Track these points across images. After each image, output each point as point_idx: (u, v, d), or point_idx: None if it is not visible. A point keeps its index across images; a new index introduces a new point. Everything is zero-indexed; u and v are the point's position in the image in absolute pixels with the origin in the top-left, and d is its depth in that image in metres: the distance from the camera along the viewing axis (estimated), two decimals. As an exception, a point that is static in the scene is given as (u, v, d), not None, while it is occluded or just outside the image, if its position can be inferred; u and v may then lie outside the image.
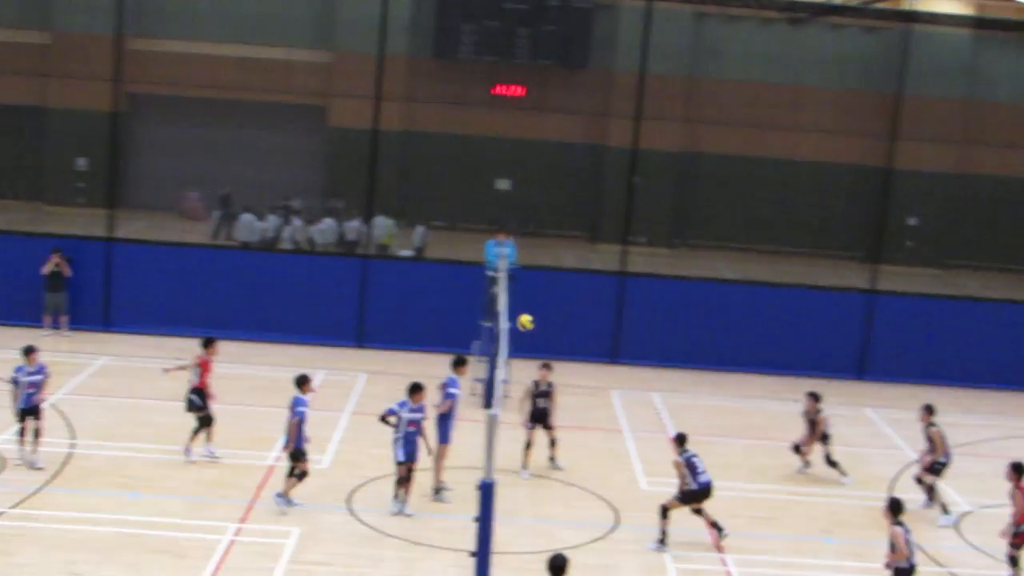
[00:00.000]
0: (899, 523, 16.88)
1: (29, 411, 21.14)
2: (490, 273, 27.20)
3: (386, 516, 20.13)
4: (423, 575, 18.10)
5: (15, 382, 21.18)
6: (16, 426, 21.23)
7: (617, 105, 44.90)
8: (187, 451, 22.31)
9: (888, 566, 16.96)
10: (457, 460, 22.37)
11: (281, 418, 24.52)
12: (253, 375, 28.13)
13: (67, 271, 30.45)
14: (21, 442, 21.19)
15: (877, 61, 45.00)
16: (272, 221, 40.66)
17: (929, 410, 22.35)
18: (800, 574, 19.09)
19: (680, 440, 20.02)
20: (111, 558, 17.74)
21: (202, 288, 31.30)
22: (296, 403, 20.19)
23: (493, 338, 24.73)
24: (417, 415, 20.48)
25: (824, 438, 23.61)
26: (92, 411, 24.78)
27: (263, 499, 20.55)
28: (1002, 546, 19.07)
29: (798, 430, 24.17)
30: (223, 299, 31.12)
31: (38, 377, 21.35)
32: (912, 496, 22.59)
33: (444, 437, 21.11)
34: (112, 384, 26.94)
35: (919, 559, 17.06)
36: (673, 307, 31.77)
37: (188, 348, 28.74)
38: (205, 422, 22.43)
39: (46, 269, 30.33)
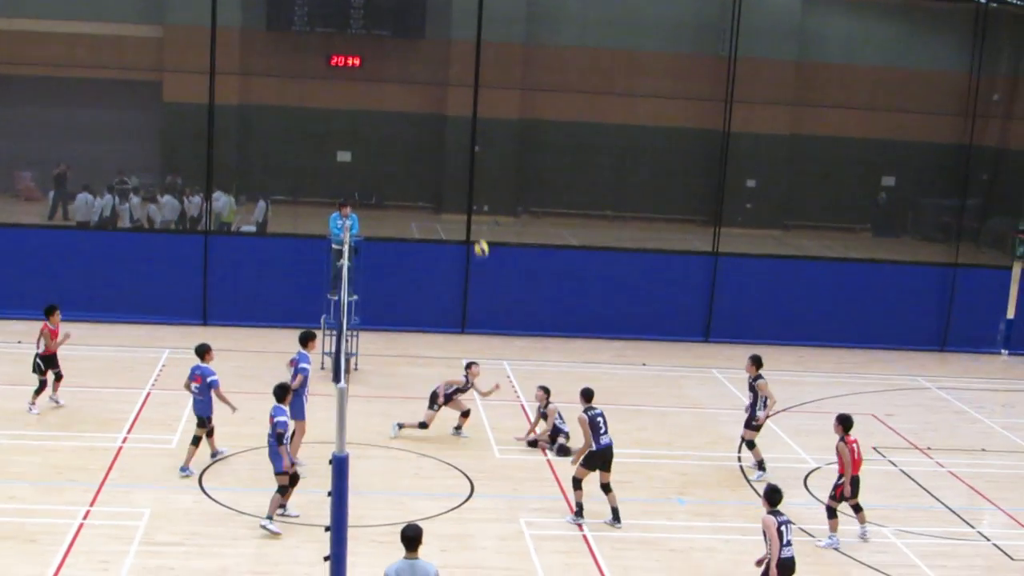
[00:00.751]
0: (773, 512, 15.97)
1: None
2: (335, 246, 27.06)
3: (239, 493, 19.91)
4: (279, 551, 17.95)
5: None
6: None
7: (455, 74, 44.83)
8: (31, 407, 23.49)
9: (759, 563, 16.10)
10: (309, 435, 22.25)
11: (123, 399, 24.27)
12: (96, 356, 27.60)
13: (-102, 256, 29.59)
14: None
15: (711, 24, 45.55)
16: (109, 199, 39.84)
17: (755, 362, 22.35)
18: (655, 536, 19.34)
19: (586, 396, 19.88)
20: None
21: (41, 269, 30.62)
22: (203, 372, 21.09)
23: (339, 311, 24.64)
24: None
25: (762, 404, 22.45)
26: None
27: (112, 481, 20.18)
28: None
29: (648, 394, 24.47)
30: (64, 280, 30.46)
31: None
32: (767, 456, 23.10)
33: (299, 414, 20.93)
34: (-51, 371, 26.26)
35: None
36: (519, 274, 31.95)
37: (27, 331, 28.24)
38: (44, 385, 23.69)
39: None
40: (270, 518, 18.51)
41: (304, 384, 21.09)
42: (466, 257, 31.70)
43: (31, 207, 43.27)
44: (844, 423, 19.41)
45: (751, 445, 22.40)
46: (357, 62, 47.17)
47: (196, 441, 20.95)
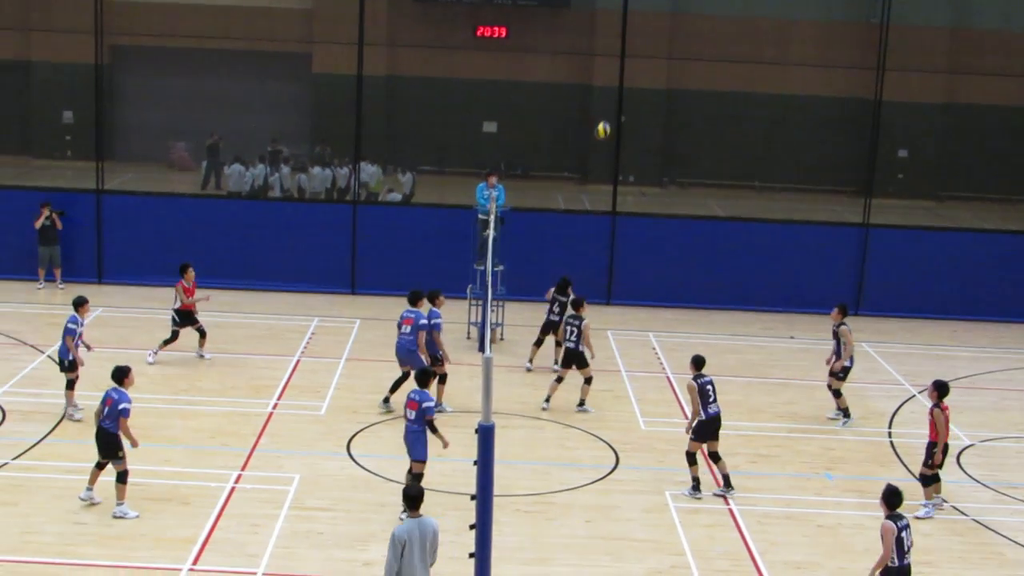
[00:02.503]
0: (893, 516, 14.86)
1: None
2: (481, 216, 27.13)
3: (386, 460, 20.10)
4: (426, 519, 18.08)
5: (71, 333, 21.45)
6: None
7: (601, 43, 44.66)
8: (151, 354, 24.80)
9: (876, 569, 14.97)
10: (454, 403, 22.41)
11: (273, 366, 24.67)
12: (247, 323, 28.07)
13: (58, 224, 30.36)
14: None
15: (862, -9, 44.81)
16: (261, 169, 40.48)
17: (842, 309, 23.07)
18: (802, 511, 19.12)
19: (697, 363, 19.55)
20: (114, 507, 17.73)
21: (193, 238, 31.18)
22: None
23: (485, 281, 24.73)
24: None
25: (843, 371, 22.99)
26: (87, 362, 24.67)
27: (262, 446, 20.54)
28: (1005, 477, 19.13)
29: (796, 367, 24.20)
30: (215, 248, 31.01)
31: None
32: (911, 431, 22.71)
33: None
34: (106, 335, 26.85)
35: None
36: (666, 246, 31.74)
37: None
38: (175, 336, 24.88)
39: (38, 223, 30.23)
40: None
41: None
42: (611, 228, 31.59)
43: (184, 176, 44.14)
44: (940, 390, 19.03)
45: (837, 394, 22.90)
46: (503, 33, 47.24)
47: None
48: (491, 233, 21.79)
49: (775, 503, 19.31)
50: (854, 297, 31.56)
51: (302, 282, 31.28)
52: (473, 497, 13.29)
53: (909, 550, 14.75)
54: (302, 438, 20.92)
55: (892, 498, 14.87)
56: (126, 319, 28.25)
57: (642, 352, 27.67)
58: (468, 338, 27.63)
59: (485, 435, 13.10)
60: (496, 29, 47.21)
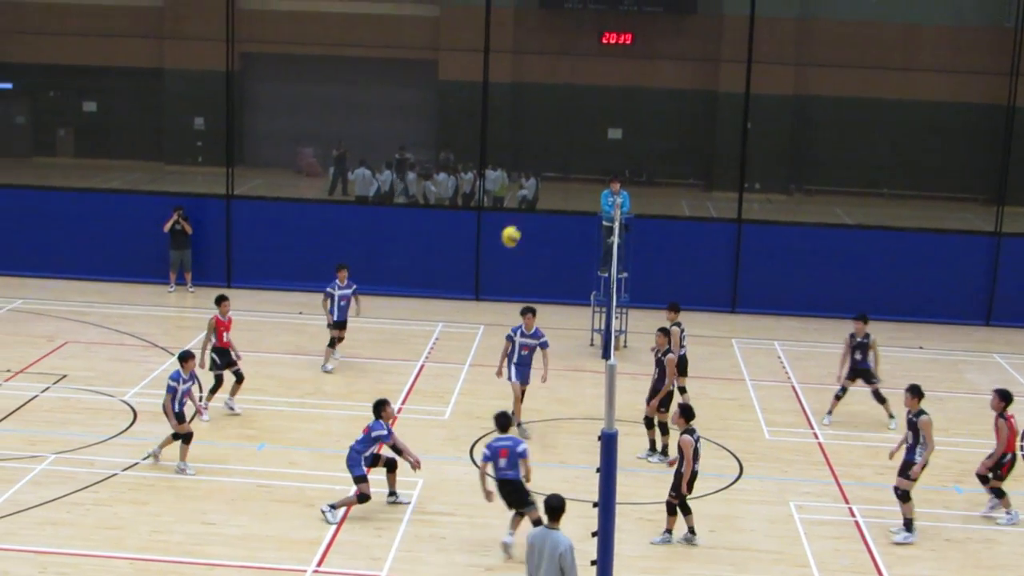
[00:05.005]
0: (691, 431, 17.14)
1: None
2: (605, 223, 27.08)
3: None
4: (548, 525, 18.06)
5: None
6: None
7: (727, 50, 44.37)
8: (201, 411, 21.80)
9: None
10: (577, 410, 22.37)
11: (398, 371, 24.81)
12: (372, 328, 28.28)
13: (189, 229, 30.87)
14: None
15: (994, -7, 43.98)
16: (388, 175, 40.81)
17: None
18: (930, 524, 18.76)
19: (685, 415, 17.78)
20: (241, 508, 17.97)
21: (320, 243, 31.55)
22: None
23: (609, 288, 24.67)
24: (531, 341, 21.34)
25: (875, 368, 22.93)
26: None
27: (386, 451, 20.63)
28: None
29: (925, 378, 23.75)
30: (341, 253, 31.21)
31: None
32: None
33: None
34: (235, 338, 27.11)
35: None
36: (791, 254, 31.37)
37: (307, 302, 29.24)
38: (220, 381, 22.33)
39: (167, 227, 30.79)
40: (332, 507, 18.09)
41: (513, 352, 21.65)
42: (736, 235, 31.33)
43: (312, 182, 44.75)
44: (1005, 398, 18.56)
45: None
46: (629, 39, 47.19)
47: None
48: (615, 240, 21.74)
49: (900, 515, 18.94)
50: (985, 307, 30.95)
51: (427, 287, 31.45)
52: (595, 504, 13.26)
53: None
54: (425, 443, 21.00)
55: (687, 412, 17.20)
56: (254, 322, 28.62)
57: (767, 361, 27.39)
58: (591, 345, 27.59)
59: (608, 442, 13.06)
60: (622, 35, 47.17)
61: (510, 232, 22.27)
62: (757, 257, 31.30)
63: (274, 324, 28.47)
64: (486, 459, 17.20)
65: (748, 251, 31.29)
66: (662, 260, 30.47)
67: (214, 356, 22.31)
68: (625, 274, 27.01)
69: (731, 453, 21.37)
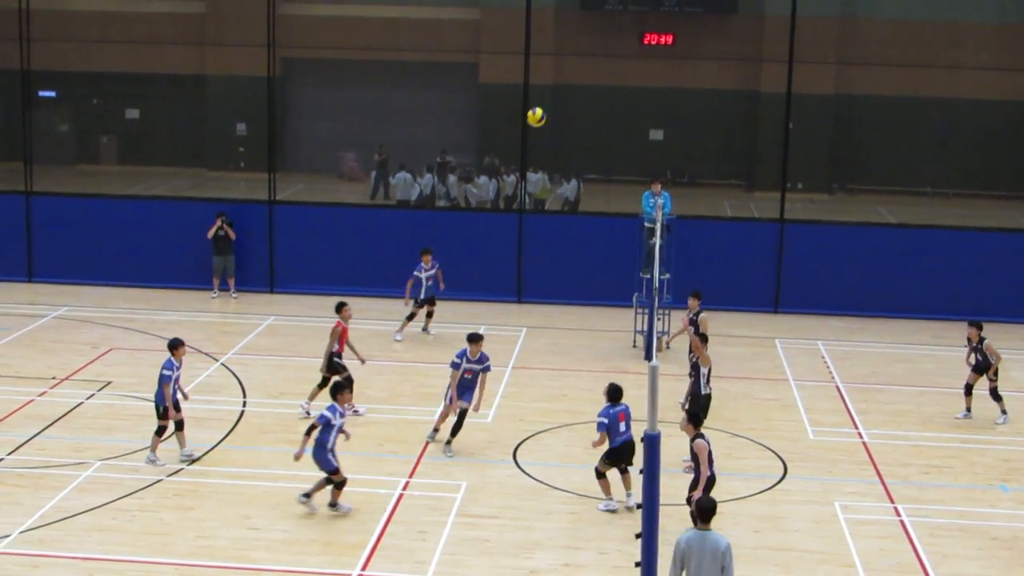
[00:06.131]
0: (701, 435, 17.12)
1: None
2: (647, 224, 27.05)
3: (552, 469, 20.14)
4: (590, 527, 18.08)
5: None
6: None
7: (768, 50, 44.23)
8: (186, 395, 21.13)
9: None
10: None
11: (439, 374, 24.82)
12: (414, 331, 28.31)
13: (232, 234, 31.03)
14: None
15: (1039, -8, 43.71)
16: (429, 179, 40.88)
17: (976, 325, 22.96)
18: (976, 523, 18.63)
19: (612, 395, 18.64)
20: (285, 513, 18.04)
21: (362, 247, 31.66)
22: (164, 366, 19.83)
23: (651, 290, 24.65)
24: (475, 366, 20.62)
25: (995, 371, 23.07)
26: (261, 370, 25.25)
27: (430, 453, 20.71)
28: None
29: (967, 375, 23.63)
30: (383, 257, 31.43)
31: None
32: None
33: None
34: (278, 343, 27.41)
35: None
36: (834, 254, 31.24)
37: (350, 307, 29.26)
38: (325, 383, 22.23)
39: (211, 233, 30.96)
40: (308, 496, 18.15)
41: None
42: (779, 235, 31.21)
43: (354, 187, 44.87)
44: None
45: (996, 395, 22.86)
46: (670, 40, 47.13)
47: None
48: (657, 241, 21.73)
49: (948, 515, 18.85)
50: (1030, 305, 30.78)
51: (469, 290, 31.46)
52: (639, 506, 13.25)
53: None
54: (469, 445, 21.02)
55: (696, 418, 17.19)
56: (296, 327, 28.77)
57: (811, 360, 27.28)
58: (634, 346, 27.56)
59: (651, 444, 13.06)
60: (663, 36, 47.09)
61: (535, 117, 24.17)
62: (800, 257, 31.19)
63: (317, 328, 28.50)
64: (602, 428, 18.31)
65: (791, 251, 31.18)
66: (705, 261, 30.39)
67: (337, 362, 22.47)
68: (667, 275, 26.96)
69: (775, 453, 21.29)
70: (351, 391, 18.95)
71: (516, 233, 31.60)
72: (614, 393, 18.64)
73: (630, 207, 31.02)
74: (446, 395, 20.60)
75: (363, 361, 23.11)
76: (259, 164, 39.18)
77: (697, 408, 19.47)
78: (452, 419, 20.84)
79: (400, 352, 26.47)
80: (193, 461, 20.02)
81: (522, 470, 20.22)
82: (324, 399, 22.32)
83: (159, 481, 19.21)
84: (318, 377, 22.82)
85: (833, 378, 25.95)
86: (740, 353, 27.41)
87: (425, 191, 40.44)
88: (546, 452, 21.06)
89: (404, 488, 19.26)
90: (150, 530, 17.50)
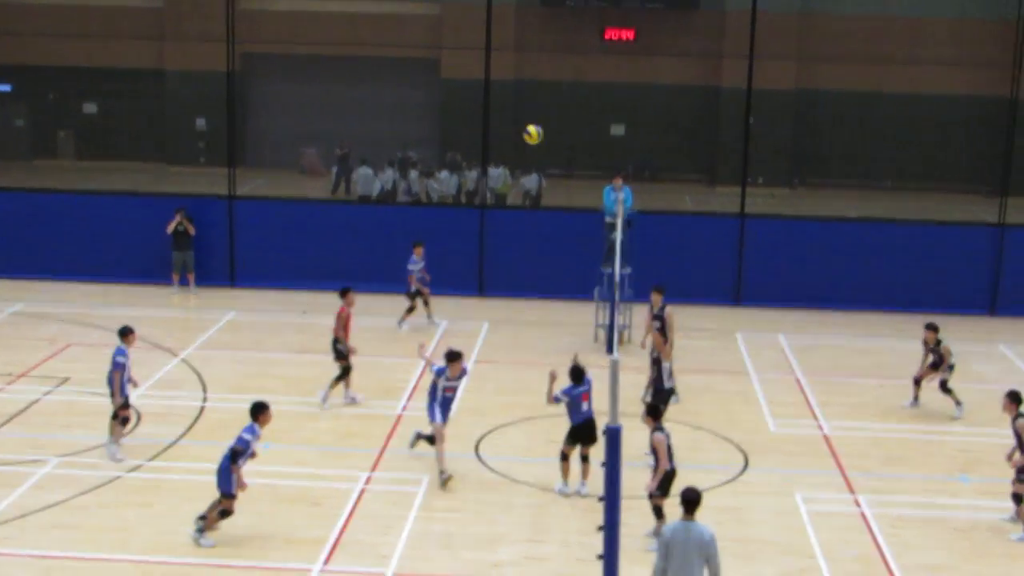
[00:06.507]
0: (660, 428, 17.11)
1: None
2: (608, 219, 27.06)
3: (514, 462, 20.14)
4: (552, 520, 18.08)
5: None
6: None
7: (730, 45, 44.40)
8: (324, 398, 22.69)
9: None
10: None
11: (402, 369, 24.79)
12: (376, 326, 28.24)
13: (191, 229, 30.85)
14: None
15: (997, -12, 43.95)
16: (389, 174, 40.81)
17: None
18: (937, 514, 18.76)
19: (654, 414, 17.76)
20: (247, 507, 17.91)
21: (323, 242, 31.55)
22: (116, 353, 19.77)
23: (612, 284, 24.66)
24: (455, 383, 19.76)
25: (948, 367, 23.34)
26: (221, 365, 25.12)
27: (392, 448, 20.68)
28: None
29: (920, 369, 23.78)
30: (344, 253, 31.31)
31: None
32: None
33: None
34: (239, 338, 27.29)
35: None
36: (795, 247, 31.33)
37: (311, 302, 29.28)
38: (347, 370, 22.80)
39: (170, 228, 30.77)
40: (200, 531, 17.16)
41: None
42: (740, 230, 31.28)
43: (315, 182, 44.75)
44: (1016, 400, 18.29)
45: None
46: (631, 35, 47.25)
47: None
48: (618, 236, 21.71)
49: (909, 506, 18.96)
50: (989, 298, 30.94)
51: (431, 285, 31.29)
52: (601, 499, 13.27)
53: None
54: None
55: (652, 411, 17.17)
56: (257, 322, 28.65)
57: (772, 353, 27.37)
58: (595, 341, 27.56)
59: (612, 438, 13.07)
60: (624, 32, 47.20)
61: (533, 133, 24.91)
62: (761, 251, 31.27)
63: (278, 324, 28.47)
64: (557, 400, 18.94)
65: (752, 245, 31.26)
66: (666, 255, 30.41)
67: (340, 348, 22.75)
68: (628, 270, 26.97)
69: (736, 446, 21.35)
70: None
71: (478, 228, 31.56)
72: (576, 373, 18.97)
73: (592, 202, 31.06)
74: (431, 412, 19.71)
75: (352, 351, 23.03)
76: (219, 159, 39.07)
77: (658, 401, 19.53)
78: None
79: (364, 345, 26.34)
80: (119, 461, 19.69)
81: (484, 464, 20.20)
82: (262, 393, 22.29)
83: (118, 478, 19.09)
84: (280, 372, 22.69)
85: (794, 371, 26.05)
86: (702, 346, 27.47)
87: (387, 186, 40.37)
88: (508, 445, 21.04)
89: (366, 483, 19.21)
90: (109, 527, 17.40)
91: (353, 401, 22.91)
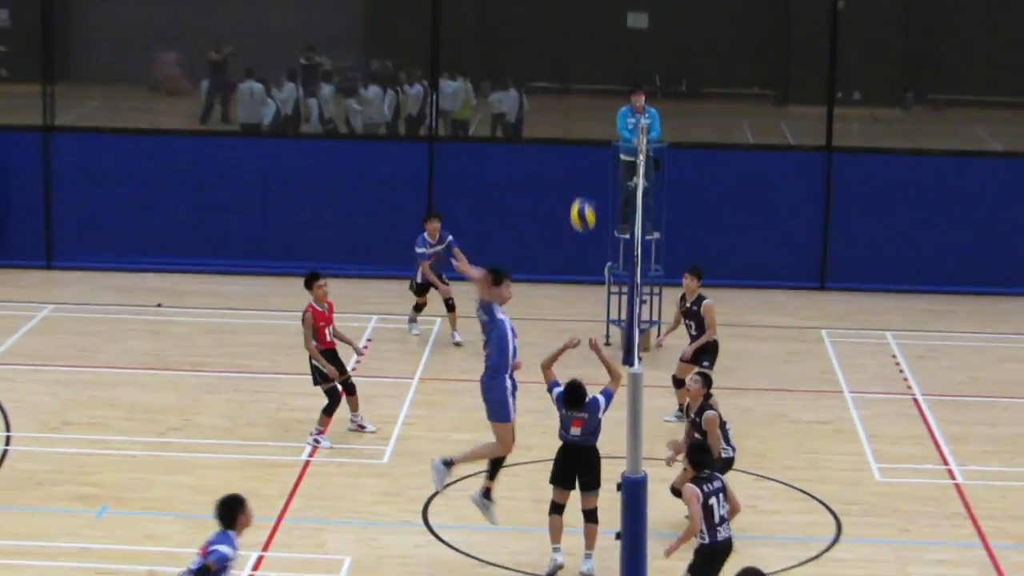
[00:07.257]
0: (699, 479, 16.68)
1: None
2: (624, 157, 26.94)
3: (482, 533, 20.00)
4: None
5: None
6: None
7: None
8: (318, 437, 22.86)
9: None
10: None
11: (310, 391, 24.69)
12: (265, 326, 28.37)
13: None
14: None
15: None
16: (291, 92, 40.62)
17: None
18: None
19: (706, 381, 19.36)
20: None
21: (190, 196, 31.37)
22: None
23: (631, 257, 24.42)
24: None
25: None
26: (33, 387, 24.96)
27: (295, 513, 20.51)
28: None
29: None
30: (222, 212, 31.14)
31: None
32: None
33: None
34: (59, 346, 27.13)
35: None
36: (911, 200, 31.29)
37: (168, 290, 29.18)
38: (334, 396, 22.82)
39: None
40: None
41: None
42: (826, 171, 31.19)
43: (177, 103, 44.57)
44: None
45: None
46: None
47: None
48: (639, 181, 21.62)
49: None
50: None
51: (357, 262, 31.18)
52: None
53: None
54: (354, 500, 20.96)
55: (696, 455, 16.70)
56: (85, 321, 28.53)
57: (875, 362, 27.38)
58: (607, 343, 27.34)
59: (633, 492, 13.01)
60: None
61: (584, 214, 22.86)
62: (858, 205, 31.30)
63: (120, 323, 28.32)
64: (549, 390, 19.86)
65: (844, 196, 31.29)
66: (712, 213, 30.34)
67: (316, 365, 22.70)
68: (656, 235, 26.89)
69: (824, 505, 21.25)
70: (248, 511, 16.25)
71: (425, 170, 31.52)
72: (572, 396, 19.35)
73: (599, 131, 30.95)
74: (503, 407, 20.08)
75: (361, 353, 24.46)
76: (30, 72, 38.81)
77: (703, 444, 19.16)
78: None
79: (246, 360, 26.27)
80: None
81: (436, 536, 20.05)
82: (94, 430, 22.24)
83: None
84: (123, 396, 22.64)
85: (910, 387, 25.99)
86: (769, 352, 27.42)
87: (285, 109, 40.17)
88: (472, 508, 20.80)
89: (255, 567, 18.94)
90: None
91: (362, 429, 23.30)
